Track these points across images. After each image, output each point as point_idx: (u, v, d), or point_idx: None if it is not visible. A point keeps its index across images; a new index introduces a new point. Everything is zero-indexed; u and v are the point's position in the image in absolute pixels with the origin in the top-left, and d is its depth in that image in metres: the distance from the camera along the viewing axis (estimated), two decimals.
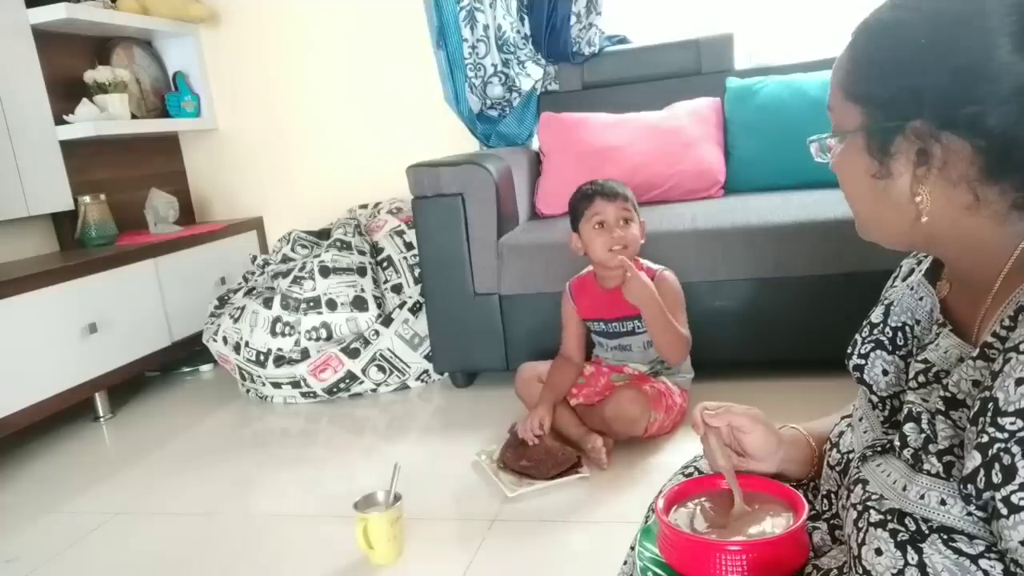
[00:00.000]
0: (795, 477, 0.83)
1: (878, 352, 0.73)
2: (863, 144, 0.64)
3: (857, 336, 0.77)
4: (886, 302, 0.76)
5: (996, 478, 0.52)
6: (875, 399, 0.73)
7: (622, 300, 1.85)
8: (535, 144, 2.78)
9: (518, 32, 2.74)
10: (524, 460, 1.72)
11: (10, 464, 2.20)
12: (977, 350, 0.59)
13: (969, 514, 0.56)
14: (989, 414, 0.52)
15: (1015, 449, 0.51)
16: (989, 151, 0.58)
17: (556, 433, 1.82)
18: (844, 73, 0.66)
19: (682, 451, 1.72)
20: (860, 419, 0.74)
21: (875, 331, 0.75)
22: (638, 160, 2.47)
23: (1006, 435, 0.51)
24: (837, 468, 0.75)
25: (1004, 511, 0.51)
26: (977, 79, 0.57)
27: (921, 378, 0.65)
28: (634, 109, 2.61)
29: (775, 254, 2.00)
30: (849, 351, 0.77)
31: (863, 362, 0.74)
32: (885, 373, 0.73)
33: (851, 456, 0.73)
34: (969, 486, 0.54)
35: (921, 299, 0.73)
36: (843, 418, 0.80)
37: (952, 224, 0.62)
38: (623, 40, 2.87)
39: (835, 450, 0.77)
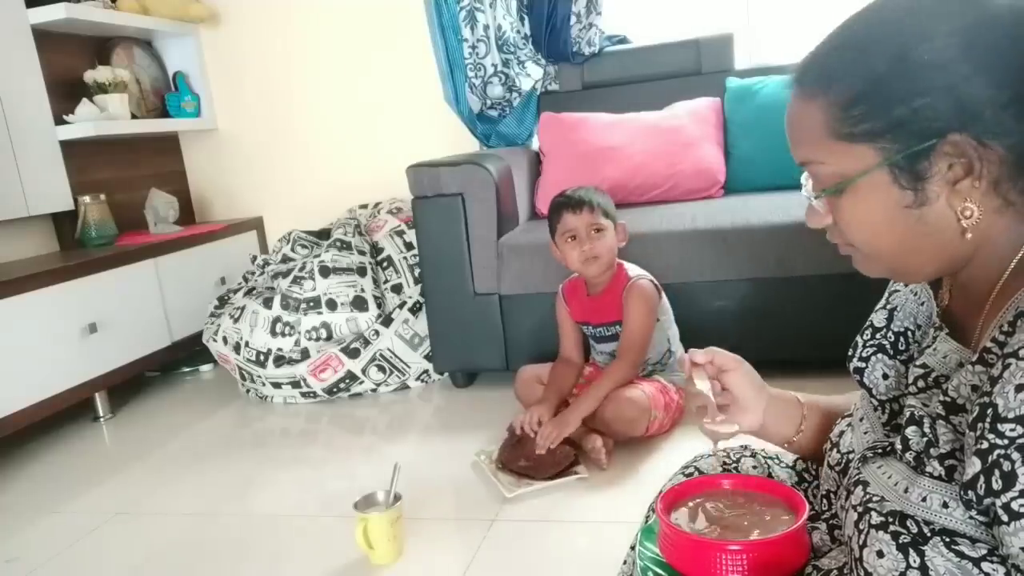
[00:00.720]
0: (781, 436, 0.85)
1: (879, 356, 0.73)
2: (887, 179, 0.60)
3: (858, 338, 0.77)
4: (890, 307, 0.76)
5: (996, 484, 0.51)
6: (875, 402, 0.73)
7: (607, 306, 1.87)
8: (535, 144, 2.78)
9: (518, 32, 2.74)
10: (522, 460, 1.72)
11: (10, 464, 2.20)
12: (976, 355, 0.58)
13: (971, 517, 0.56)
14: (988, 420, 0.52)
15: (1015, 456, 0.50)
16: (1014, 147, 0.56)
17: None
18: (825, 117, 0.61)
19: (682, 451, 1.72)
20: (861, 419, 0.74)
21: (877, 335, 0.75)
22: (638, 160, 2.47)
23: (1006, 441, 0.51)
24: (837, 468, 0.75)
25: (1005, 518, 0.51)
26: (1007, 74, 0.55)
27: (921, 383, 0.64)
28: (634, 109, 2.61)
29: (775, 254, 2.00)
30: (850, 353, 0.77)
31: (863, 365, 0.74)
32: (885, 377, 0.73)
33: (851, 456, 0.73)
34: (969, 492, 0.54)
35: (923, 304, 0.73)
36: (843, 417, 0.80)
37: (984, 232, 0.60)
38: (623, 40, 2.87)
39: (835, 450, 0.76)
